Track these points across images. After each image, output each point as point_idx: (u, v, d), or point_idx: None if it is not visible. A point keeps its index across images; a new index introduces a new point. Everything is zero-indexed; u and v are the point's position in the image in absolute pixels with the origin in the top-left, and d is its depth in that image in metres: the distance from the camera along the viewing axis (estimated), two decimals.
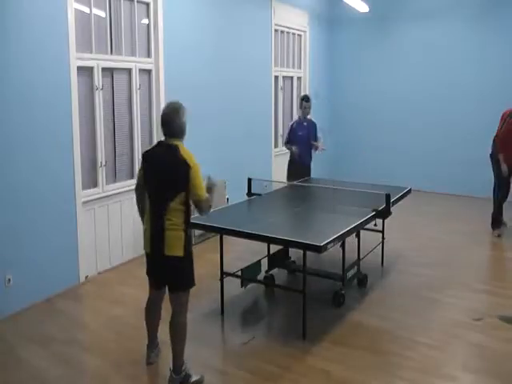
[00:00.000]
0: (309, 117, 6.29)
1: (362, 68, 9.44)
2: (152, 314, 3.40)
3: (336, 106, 9.70)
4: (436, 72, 8.66)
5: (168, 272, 3.12)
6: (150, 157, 3.20)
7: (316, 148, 6.26)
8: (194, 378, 3.18)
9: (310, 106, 6.25)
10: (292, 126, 6.23)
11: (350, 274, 4.55)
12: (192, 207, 3.13)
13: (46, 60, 4.35)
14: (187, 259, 3.10)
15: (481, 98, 8.29)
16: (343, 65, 9.64)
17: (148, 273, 3.28)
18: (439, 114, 8.72)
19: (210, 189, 3.14)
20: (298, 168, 6.14)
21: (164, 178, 3.04)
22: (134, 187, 3.37)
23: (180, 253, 3.03)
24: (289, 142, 6.20)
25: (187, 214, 3.08)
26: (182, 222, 3.04)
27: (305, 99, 6.26)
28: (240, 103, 7.03)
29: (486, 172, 8.28)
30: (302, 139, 6.14)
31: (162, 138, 3.17)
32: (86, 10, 4.86)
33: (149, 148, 3.34)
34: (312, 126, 6.28)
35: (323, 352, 3.60)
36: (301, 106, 6.26)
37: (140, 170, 3.29)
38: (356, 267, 4.69)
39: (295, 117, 6.35)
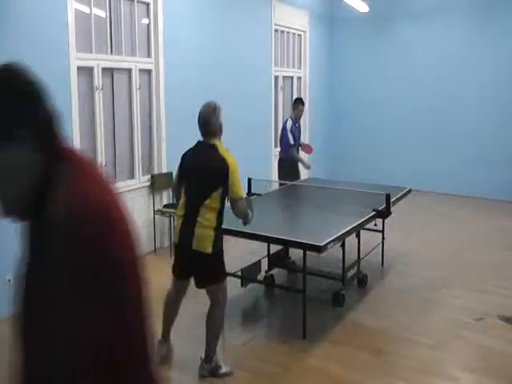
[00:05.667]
0: None
1: (361, 68, 9.44)
2: (170, 306, 3.43)
3: (336, 106, 9.70)
4: (436, 72, 8.65)
5: (194, 266, 3.20)
6: (189, 156, 3.30)
7: (309, 149, 6.53)
8: (223, 370, 3.24)
9: None
10: (291, 129, 6.29)
11: (349, 274, 4.55)
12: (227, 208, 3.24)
13: (46, 60, 4.35)
14: (215, 256, 3.16)
15: (481, 98, 8.29)
16: (343, 65, 9.64)
17: (175, 264, 3.34)
18: (439, 114, 8.72)
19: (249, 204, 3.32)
20: (296, 171, 6.38)
21: (202, 175, 3.14)
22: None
23: (208, 249, 3.11)
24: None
25: (221, 213, 3.17)
26: (214, 220, 3.12)
27: (302, 102, 6.50)
28: (240, 103, 7.02)
29: (485, 172, 8.33)
30: (296, 143, 6.40)
31: (200, 139, 3.27)
32: (86, 10, 4.86)
33: (188, 149, 3.38)
34: (299, 127, 6.59)
35: (323, 352, 3.60)
36: (296, 108, 6.46)
37: (177, 170, 3.39)
38: (356, 267, 4.69)
39: (285, 117, 6.63)
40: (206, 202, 3.08)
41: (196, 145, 3.32)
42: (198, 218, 3.09)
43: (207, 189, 3.10)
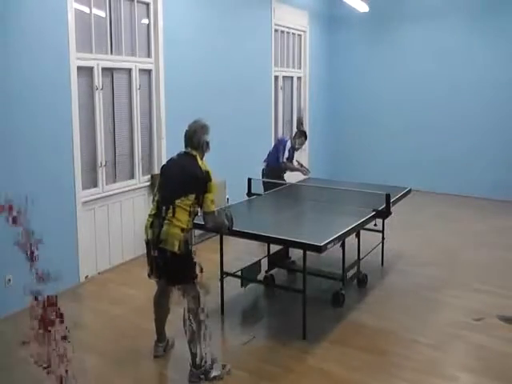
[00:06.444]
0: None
1: (361, 68, 9.44)
2: (159, 305, 3.50)
3: (336, 106, 9.70)
4: (436, 72, 8.65)
5: (162, 264, 3.23)
6: (171, 163, 3.46)
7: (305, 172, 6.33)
8: (213, 373, 3.22)
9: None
10: (289, 150, 6.06)
11: (349, 273, 4.55)
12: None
13: (46, 60, 4.35)
14: (182, 257, 3.18)
15: (481, 98, 8.29)
16: (343, 65, 9.63)
17: (148, 264, 3.35)
18: (439, 114, 8.71)
19: (223, 215, 3.41)
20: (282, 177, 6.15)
21: (180, 176, 3.26)
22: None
23: (174, 248, 3.14)
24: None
25: (191, 215, 3.23)
26: (184, 221, 3.18)
27: (306, 136, 6.24)
28: (240, 103, 7.02)
29: (485, 172, 8.32)
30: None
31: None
32: (86, 10, 4.86)
33: (169, 158, 3.56)
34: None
35: (323, 352, 3.60)
36: (299, 138, 6.17)
37: (159, 177, 3.49)
38: (356, 267, 4.69)
39: (281, 135, 6.33)
40: (178, 201, 3.17)
41: (178, 154, 3.46)
42: (168, 216, 3.16)
43: (182, 189, 3.19)
